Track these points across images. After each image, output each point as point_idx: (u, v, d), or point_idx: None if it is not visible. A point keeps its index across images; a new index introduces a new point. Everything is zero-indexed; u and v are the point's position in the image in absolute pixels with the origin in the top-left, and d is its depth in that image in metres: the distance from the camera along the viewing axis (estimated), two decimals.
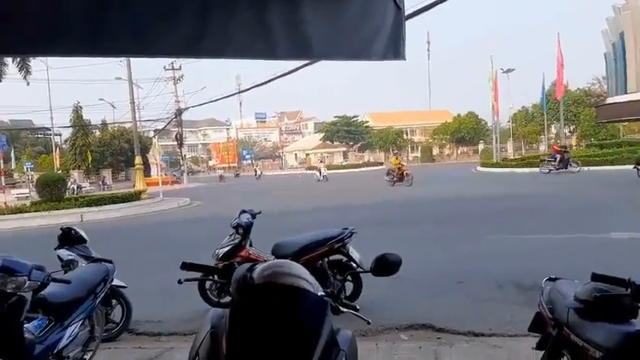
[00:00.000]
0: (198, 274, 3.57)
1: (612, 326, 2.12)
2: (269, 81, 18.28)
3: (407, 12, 2.89)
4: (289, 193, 27.08)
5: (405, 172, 25.56)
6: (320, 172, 37.49)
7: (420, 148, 73.47)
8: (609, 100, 42.49)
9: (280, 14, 1.96)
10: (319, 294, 1.83)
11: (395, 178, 25.81)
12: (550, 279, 2.88)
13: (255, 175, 52.38)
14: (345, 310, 2.04)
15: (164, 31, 1.81)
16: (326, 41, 2.11)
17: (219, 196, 28.07)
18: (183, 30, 1.83)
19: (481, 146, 65.11)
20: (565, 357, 2.49)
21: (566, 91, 41.73)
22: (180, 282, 3.10)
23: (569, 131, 59.77)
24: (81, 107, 52.45)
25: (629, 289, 2.04)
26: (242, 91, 49.24)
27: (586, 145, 44.64)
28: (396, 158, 28.09)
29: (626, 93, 40.14)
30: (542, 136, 60.93)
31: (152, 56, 2.09)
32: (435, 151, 72.32)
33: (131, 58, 26.83)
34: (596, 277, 2.17)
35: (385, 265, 2.48)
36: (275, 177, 55.65)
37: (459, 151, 72.29)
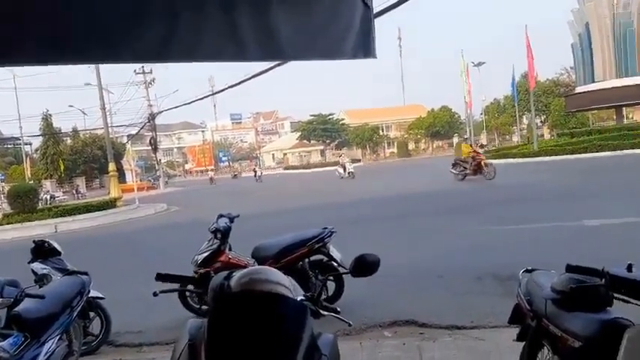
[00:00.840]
0: (174, 285, 3.51)
1: (589, 316, 2.15)
2: (242, 82, 18.20)
3: (375, 10, 2.89)
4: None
5: (482, 162, 20.05)
6: (344, 169, 31.71)
7: (396, 143, 73.95)
8: (578, 90, 43.52)
9: (249, 16, 1.94)
10: (299, 299, 1.81)
11: (467, 171, 20.49)
12: (527, 270, 2.86)
13: (255, 176, 44.64)
14: (325, 313, 2.03)
15: (131, 36, 1.77)
16: (296, 42, 2.09)
17: (204, 201, 26.55)
18: (151, 35, 1.79)
19: (456, 139, 65.93)
20: (545, 347, 2.51)
21: (536, 82, 42.43)
22: (155, 294, 3.02)
23: (541, 121, 60.93)
24: (50, 115, 51.60)
25: (603, 279, 2.07)
26: (215, 93, 48.77)
27: (557, 135, 45.52)
28: (469, 145, 22.00)
29: (593, 82, 41.19)
30: (514, 128, 62.05)
31: (119, 62, 2.05)
32: (411, 145, 72.90)
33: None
34: (570, 268, 2.19)
35: (364, 266, 2.48)
36: (268, 177, 49.20)
37: (434, 145, 73.08)
